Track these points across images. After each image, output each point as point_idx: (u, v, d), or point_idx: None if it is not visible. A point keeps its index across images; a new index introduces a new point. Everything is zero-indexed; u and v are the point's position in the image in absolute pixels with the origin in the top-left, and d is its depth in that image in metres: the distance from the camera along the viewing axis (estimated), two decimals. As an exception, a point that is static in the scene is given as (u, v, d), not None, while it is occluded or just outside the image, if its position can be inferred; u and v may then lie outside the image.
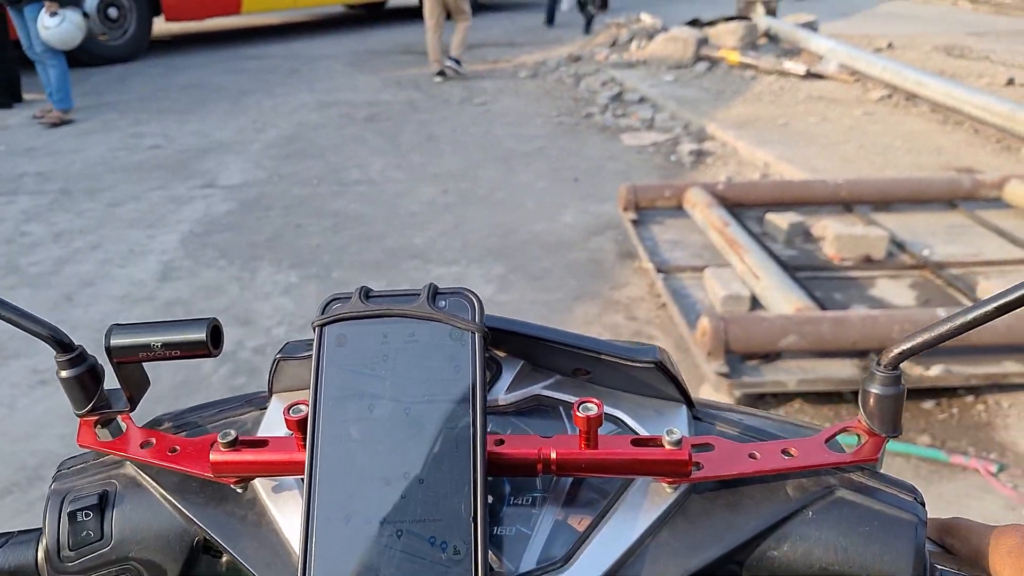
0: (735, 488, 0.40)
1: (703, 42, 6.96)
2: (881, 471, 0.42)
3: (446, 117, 5.79)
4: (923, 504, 0.40)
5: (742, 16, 7.58)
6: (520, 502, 0.40)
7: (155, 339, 0.41)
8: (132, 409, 0.45)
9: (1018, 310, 0.35)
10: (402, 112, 5.93)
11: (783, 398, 2.20)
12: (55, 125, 5.41)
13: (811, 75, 6.37)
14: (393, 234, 3.56)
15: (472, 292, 0.39)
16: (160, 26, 8.29)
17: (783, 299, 2.23)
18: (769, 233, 3.07)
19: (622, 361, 0.42)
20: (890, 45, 8.32)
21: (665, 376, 0.42)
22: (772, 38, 7.70)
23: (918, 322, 2.03)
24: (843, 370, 2.11)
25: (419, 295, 0.38)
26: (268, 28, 10.75)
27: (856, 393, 2.13)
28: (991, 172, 3.79)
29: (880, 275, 2.75)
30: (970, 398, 2.19)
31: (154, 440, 0.44)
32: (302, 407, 0.39)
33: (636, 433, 0.42)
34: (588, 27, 9.49)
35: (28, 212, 3.84)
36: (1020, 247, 2.95)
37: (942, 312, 2.11)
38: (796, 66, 6.30)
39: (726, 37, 7.12)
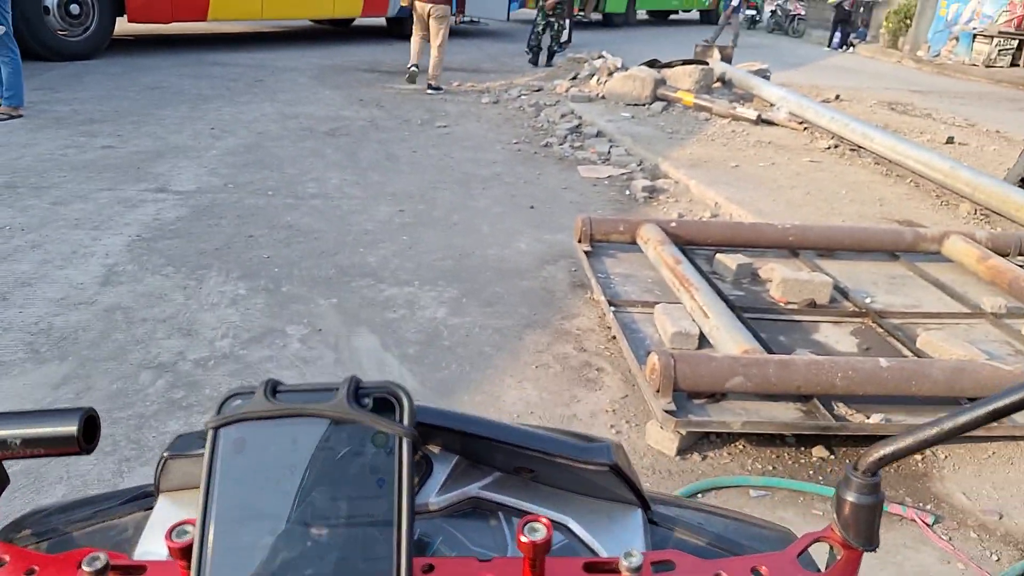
0: None
1: (661, 82, 7.16)
2: None
3: (406, 137, 5.80)
4: None
5: (699, 60, 7.85)
6: None
7: (13, 436, 0.35)
8: None
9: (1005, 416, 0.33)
10: (363, 129, 5.92)
11: (727, 438, 2.25)
12: (3, 119, 5.22)
13: (762, 121, 6.62)
14: (346, 250, 3.54)
15: (401, 388, 0.33)
16: (123, 25, 8.10)
17: (731, 340, 2.29)
18: (718, 272, 3.15)
19: (572, 463, 0.37)
20: (838, 97, 8.71)
21: (620, 479, 0.38)
22: (726, 83, 7.98)
23: (860, 371, 2.11)
24: (787, 413, 2.17)
25: (337, 390, 0.32)
26: (234, 36, 10.63)
27: (797, 438, 2.21)
28: (931, 226, 3.99)
29: (823, 320, 2.84)
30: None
31: (7, 558, 0.36)
32: (188, 529, 0.33)
33: (586, 544, 0.37)
34: (549, 60, 9.87)
35: (-36, 206, 3.69)
36: (958, 301, 3.09)
37: (883, 362, 2.19)
38: (748, 111, 6.54)
39: (683, 79, 7.35)
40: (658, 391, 2.08)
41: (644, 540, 0.38)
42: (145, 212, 3.82)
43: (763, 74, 8.35)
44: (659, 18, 19.88)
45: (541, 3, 9.79)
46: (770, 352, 2.38)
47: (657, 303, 2.72)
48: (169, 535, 0.33)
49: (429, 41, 7.51)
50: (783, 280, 2.88)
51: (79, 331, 2.64)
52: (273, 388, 0.34)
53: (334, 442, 0.32)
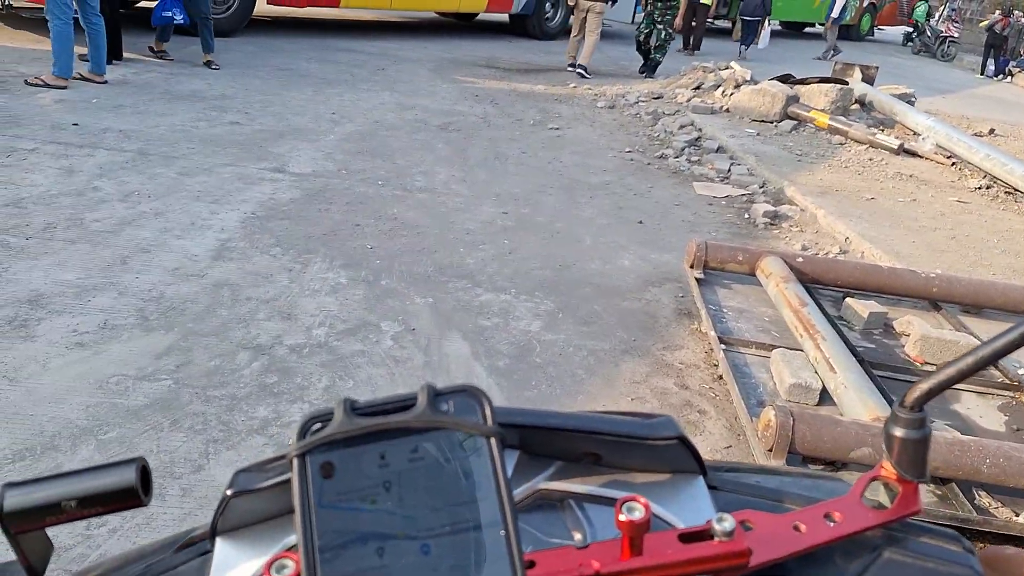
0: (779, 567, 0.36)
1: (793, 99, 6.76)
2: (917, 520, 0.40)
3: (517, 137, 5.72)
4: (971, 552, 0.38)
5: (838, 79, 7.35)
6: None
7: (69, 495, 0.33)
8: None
9: None
10: (475, 125, 5.89)
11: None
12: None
13: (904, 151, 6.11)
14: (446, 249, 3.49)
15: (478, 389, 0.33)
16: (261, 6, 8.46)
17: (859, 401, 2.04)
18: (846, 319, 2.88)
19: (641, 440, 0.38)
20: (992, 131, 7.96)
21: (686, 450, 0.38)
22: (865, 106, 7.45)
23: (1014, 459, 1.83)
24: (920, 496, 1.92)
25: (415, 400, 0.32)
26: (362, 24, 10.92)
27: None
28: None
29: (967, 390, 2.53)
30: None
31: None
32: (287, 563, 0.32)
33: (664, 521, 0.37)
34: (652, 70, 9.20)
35: (103, 167, 3.90)
36: (1121, 378, 2.69)
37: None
38: (889, 139, 6.04)
39: (817, 98, 6.90)
40: (770, 450, 1.88)
41: (711, 506, 0.38)
42: (262, 191, 3.91)
43: (908, 99, 7.75)
44: (794, 30, 18.97)
45: (647, 4, 9.06)
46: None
47: (775, 347, 2.49)
48: (268, 570, 0.32)
49: (583, 38, 8.69)
50: (922, 337, 2.58)
51: (187, 303, 2.71)
52: (352, 407, 0.32)
53: (423, 452, 0.31)
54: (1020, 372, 2.67)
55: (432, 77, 7.63)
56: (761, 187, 4.98)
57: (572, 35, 8.97)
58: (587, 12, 8.53)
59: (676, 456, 0.39)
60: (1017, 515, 1.86)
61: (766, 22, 12.41)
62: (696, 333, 2.93)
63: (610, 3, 9.18)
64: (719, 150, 5.79)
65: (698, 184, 5.03)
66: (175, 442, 2.01)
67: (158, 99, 5.34)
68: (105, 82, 5.48)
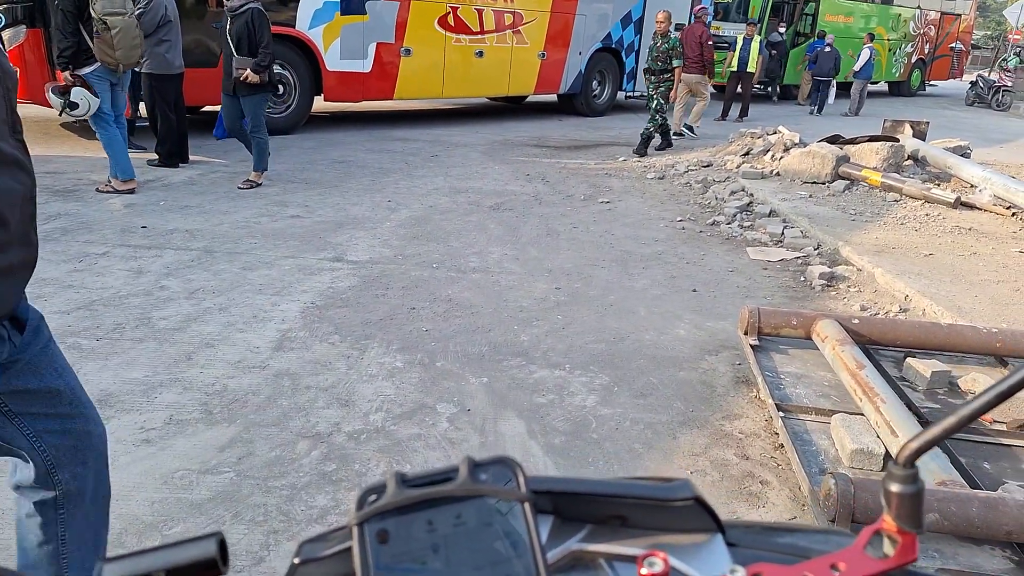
0: None
1: (843, 159, 6.70)
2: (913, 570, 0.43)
3: (568, 212, 5.83)
4: None
5: (888, 136, 7.27)
6: None
7: (158, 567, 0.37)
8: None
9: None
10: (527, 204, 6.03)
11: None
12: (109, 191, 5.52)
13: (961, 204, 5.94)
14: (500, 327, 3.53)
15: (512, 459, 0.37)
16: (318, 103, 9.00)
17: (923, 465, 1.95)
18: (908, 380, 2.77)
19: (660, 503, 0.41)
20: (1056, 178, 7.68)
21: (703, 510, 0.42)
22: (919, 161, 7.32)
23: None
24: (992, 562, 1.81)
25: (457, 472, 0.36)
26: (415, 113, 11.47)
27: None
28: None
29: (1041, 446, 2.39)
30: None
31: None
32: None
33: (682, 573, 0.40)
34: (643, 148, 8.51)
35: (170, 267, 4.14)
36: None
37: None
38: (945, 193, 5.90)
39: (869, 156, 6.83)
40: (833, 520, 1.80)
41: (728, 560, 0.41)
42: (321, 280, 4.07)
43: (962, 152, 7.59)
44: (842, 90, 18.96)
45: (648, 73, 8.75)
46: (973, 485, 2.01)
47: (834, 412, 2.41)
48: None
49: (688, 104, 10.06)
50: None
51: (249, 394, 2.80)
52: (403, 480, 0.36)
53: (466, 518, 0.35)
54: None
55: (484, 160, 7.90)
56: (816, 249, 4.91)
57: (676, 105, 9.70)
58: (693, 84, 9.81)
59: (695, 516, 0.42)
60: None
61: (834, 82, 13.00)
62: (755, 401, 2.86)
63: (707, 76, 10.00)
64: (771, 214, 5.75)
65: (751, 249, 4.99)
66: (236, 535, 2.06)
67: (222, 198, 5.68)
68: (132, 190, 5.55)
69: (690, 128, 10.00)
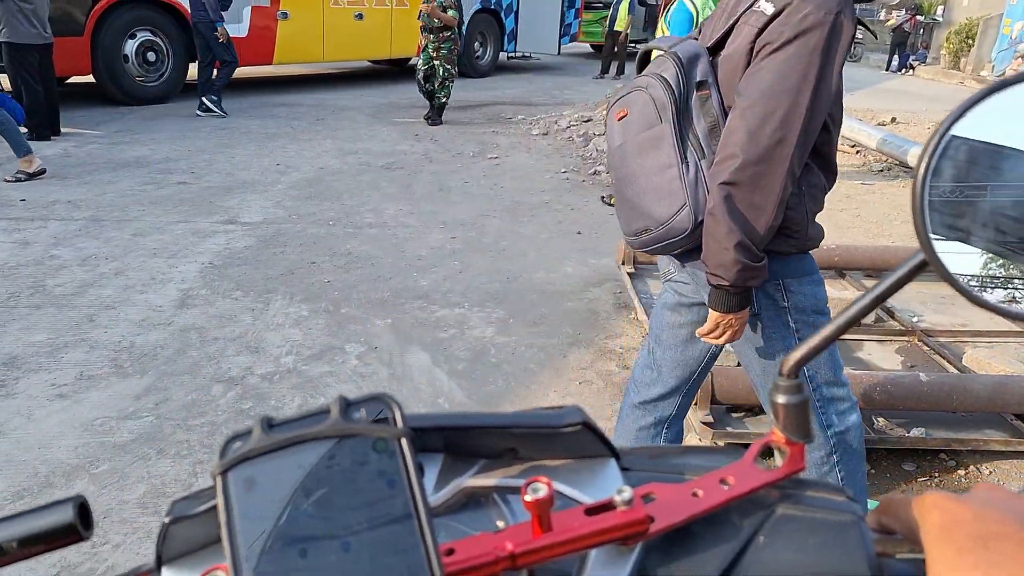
0: (685, 530, 0.39)
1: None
2: (803, 477, 0.43)
3: (458, 169, 6.02)
4: (853, 499, 0.41)
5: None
6: None
7: (9, 538, 0.35)
8: None
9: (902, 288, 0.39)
10: (417, 162, 6.18)
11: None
12: (20, 179, 5.04)
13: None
14: (400, 275, 3.72)
15: (388, 396, 0.35)
16: (194, 71, 8.66)
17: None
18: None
19: (550, 430, 0.40)
20: (894, 120, 8.59)
21: (592, 435, 0.41)
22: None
23: (899, 385, 2.14)
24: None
25: (329, 412, 0.34)
26: (297, 78, 11.20)
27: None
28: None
29: (868, 339, 2.86)
30: (951, 463, 2.28)
31: None
32: (219, 575, 0.35)
33: (575, 500, 0.40)
34: (436, 116, 7.80)
35: (58, 236, 4.04)
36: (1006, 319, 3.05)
37: (923, 377, 2.21)
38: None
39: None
40: (696, 404, 2.15)
41: (621, 484, 0.40)
42: (216, 242, 4.10)
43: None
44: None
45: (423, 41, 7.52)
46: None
47: (698, 321, 2.79)
48: None
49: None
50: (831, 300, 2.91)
51: (158, 348, 2.88)
52: (269, 423, 0.34)
53: (339, 458, 0.33)
54: (914, 320, 3.01)
55: (371, 122, 7.92)
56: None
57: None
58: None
59: (586, 442, 0.41)
60: (908, 431, 2.16)
61: None
62: (633, 321, 3.22)
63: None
64: (647, 162, 6.16)
65: (629, 194, 5.37)
66: (163, 467, 2.18)
67: (102, 168, 5.49)
68: (43, 171, 5.14)
69: None
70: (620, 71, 12.88)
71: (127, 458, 2.21)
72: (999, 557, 0.30)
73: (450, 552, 0.35)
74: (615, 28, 12.51)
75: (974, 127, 0.40)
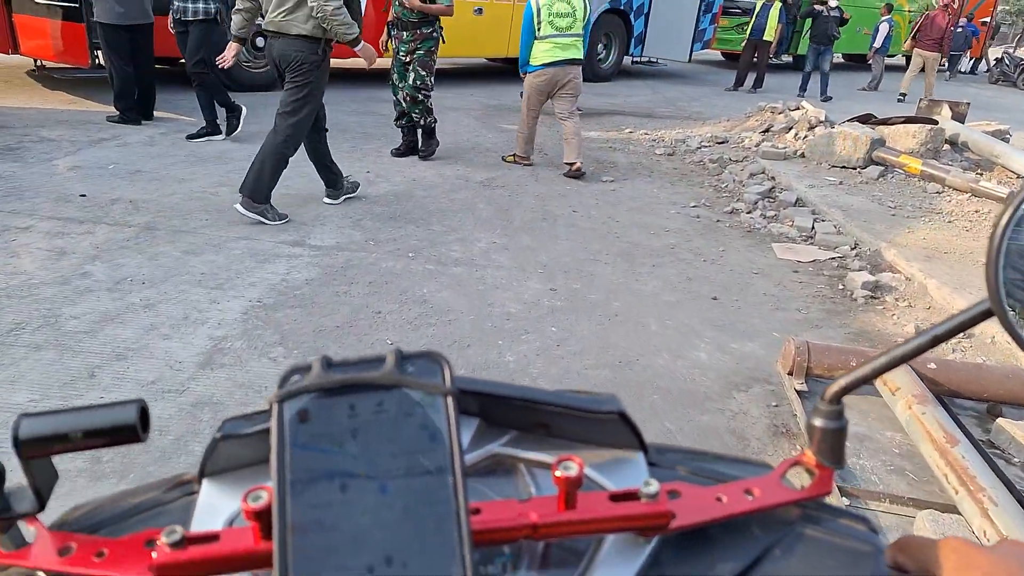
0: (703, 532, 0.40)
1: (878, 143, 6.03)
2: (830, 502, 0.42)
3: (567, 193, 5.17)
4: (876, 532, 0.41)
5: (926, 119, 6.58)
6: (493, 571, 0.38)
7: (76, 428, 0.36)
8: (41, 509, 0.38)
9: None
10: (521, 181, 5.37)
11: None
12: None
13: (1013, 198, 5.28)
14: (481, 343, 2.91)
15: (440, 354, 0.36)
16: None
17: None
18: (998, 446, 2.16)
19: (584, 414, 0.41)
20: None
21: (626, 425, 0.42)
22: (957, 147, 6.64)
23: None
24: None
25: (385, 361, 0.36)
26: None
27: None
28: None
29: None
30: None
31: (74, 545, 0.38)
32: (262, 494, 0.35)
33: (600, 485, 0.41)
34: (407, 147, 5.72)
35: (100, 247, 3.49)
36: None
37: None
38: (997, 187, 5.24)
39: (904, 140, 6.15)
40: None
41: (647, 476, 0.41)
42: (275, 270, 3.43)
43: (1002, 136, 6.92)
44: (857, 62, 18.10)
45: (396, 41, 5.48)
46: None
47: (917, 502, 1.81)
48: (245, 499, 0.35)
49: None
50: None
51: (154, 434, 2.19)
52: (328, 363, 0.36)
53: (388, 406, 0.34)
54: None
55: (476, 127, 7.19)
56: (853, 249, 4.27)
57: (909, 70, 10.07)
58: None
59: (619, 432, 0.42)
60: None
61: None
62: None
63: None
64: (798, 203, 5.10)
65: (778, 246, 4.35)
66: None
67: (180, 163, 5.01)
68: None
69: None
70: (758, 84, 11.62)
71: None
72: None
73: (476, 512, 0.36)
74: (764, 38, 11.24)
75: None
